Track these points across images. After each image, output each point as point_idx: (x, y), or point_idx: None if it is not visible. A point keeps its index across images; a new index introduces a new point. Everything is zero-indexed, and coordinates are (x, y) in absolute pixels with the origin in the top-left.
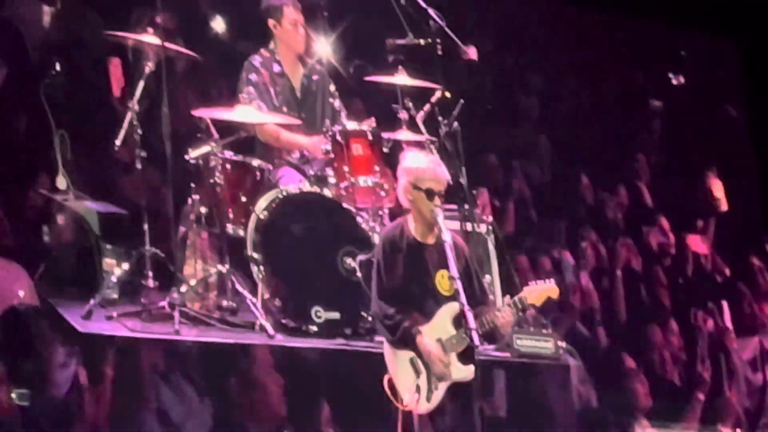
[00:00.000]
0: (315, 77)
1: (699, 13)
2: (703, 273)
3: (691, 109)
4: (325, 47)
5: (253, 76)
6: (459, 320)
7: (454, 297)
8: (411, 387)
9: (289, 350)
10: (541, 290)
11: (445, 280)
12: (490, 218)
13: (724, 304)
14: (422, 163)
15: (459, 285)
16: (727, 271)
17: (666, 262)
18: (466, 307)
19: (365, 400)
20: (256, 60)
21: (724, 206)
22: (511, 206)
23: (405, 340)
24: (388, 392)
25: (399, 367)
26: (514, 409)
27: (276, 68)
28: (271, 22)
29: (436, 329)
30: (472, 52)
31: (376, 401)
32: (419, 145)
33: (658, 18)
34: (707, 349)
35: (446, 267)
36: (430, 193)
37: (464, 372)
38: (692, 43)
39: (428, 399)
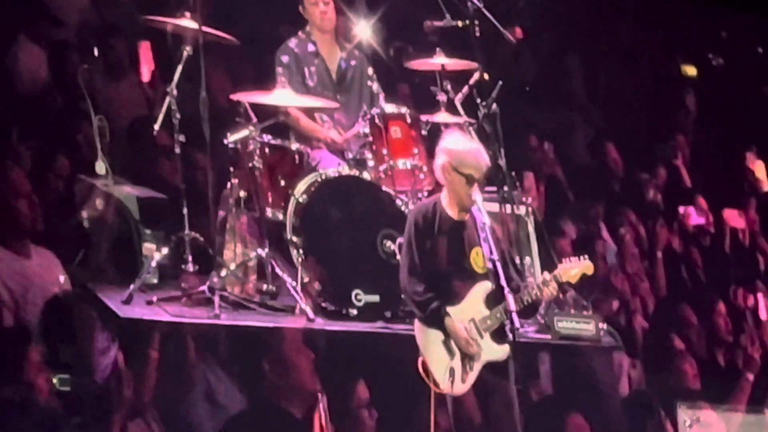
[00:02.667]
0: (353, 62)
1: None
2: (742, 248)
3: (730, 89)
4: (364, 30)
5: (284, 58)
6: (492, 299)
7: (487, 275)
8: (445, 369)
9: (328, 332)
10: (575, 267)
11: (480, 258)
12: (530, 200)
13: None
14: (464, 148)
15: (499, 266)
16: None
17: (705, 241)
18: (506, 289)
19: (404, 382)
20: (291, 42)
21: (765, 186)
22: (542, 188)
23: (434, 320)
24: (423, 374)
25: (432, 348)
26: (560, 390)
27: (310, 48)
28: (300, 7)
29: (470, 309)
30: (515, 33)
31: (415, 382)
32: (459, 126)
33: None
34: (755, 328)
35: (479, 245)
36: (469, 179)
37: (499, 352)
38: (731, 22)
39: (463, 380)
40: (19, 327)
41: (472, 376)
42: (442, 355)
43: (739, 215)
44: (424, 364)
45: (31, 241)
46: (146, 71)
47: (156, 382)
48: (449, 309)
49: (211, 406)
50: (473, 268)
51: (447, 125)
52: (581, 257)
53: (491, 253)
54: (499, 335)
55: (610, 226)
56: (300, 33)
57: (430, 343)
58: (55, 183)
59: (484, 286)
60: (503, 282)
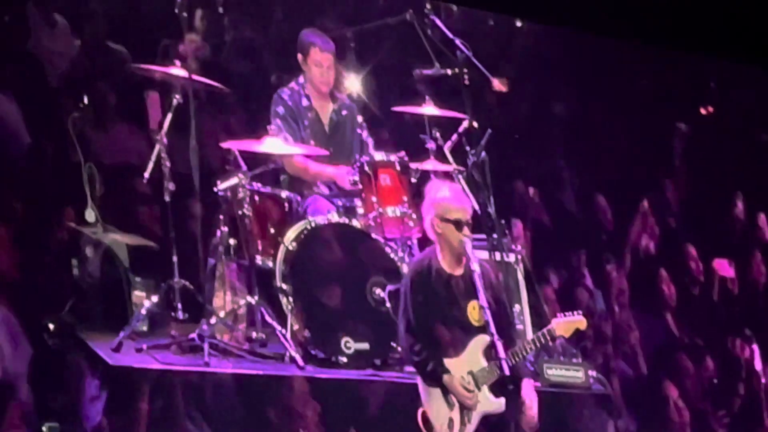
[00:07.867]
0: (344, 112)
1: (729, 41)
2: (731, 297)
3: (721, 138)
4: (354, 82)
5: (280, 109)
6: (490, 352)
7: (485, 328)
8: (444, 420)
9: (319, 381)
10: (569, 322)
11: (476, 311)
12: (520, 248)
13: (755, 348)
14: (447, 194)
15: (488, 315)
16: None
17: (695, 290)
18: (496, 337)
19: (394, 428)
20: (284, 93)
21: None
22: (529, 234)
23: (432, 379)
24: (421, 425)
25: (432, 399)
26: None
27: (304, 102)
28: (299, 56)
29: (468, 362)
30: (501, 84)
31: (404, 430)
32: (447, 175)
33: (687, 46)
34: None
35: (476, 297)
36: (458, 224)
37: (495, 404)
38: (721, 71)
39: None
40: None
41: (470, 428)
42: (441, 408)
43: (728, 265)
44: (424, 414)
45: None
46: (153, 121)
47: (145, 431)
48: (448, 362)
49: None
50: (470, 322)
51: (436, 173)
52: (575, 312)
53: (485, 303)
54: (497, 387)
55: (597, 274)
56: (293, 84)
57: (430, 396)
58: (44, 231)
59: (483, 339)
60: (492, 329)
